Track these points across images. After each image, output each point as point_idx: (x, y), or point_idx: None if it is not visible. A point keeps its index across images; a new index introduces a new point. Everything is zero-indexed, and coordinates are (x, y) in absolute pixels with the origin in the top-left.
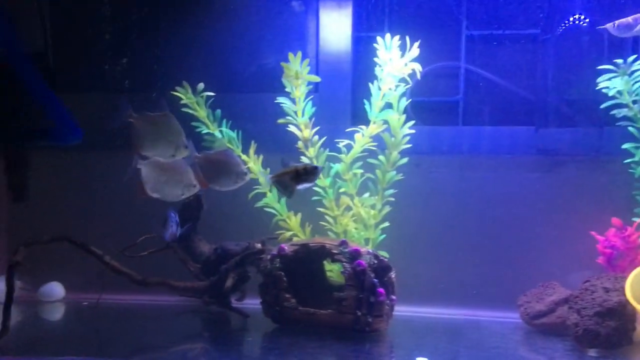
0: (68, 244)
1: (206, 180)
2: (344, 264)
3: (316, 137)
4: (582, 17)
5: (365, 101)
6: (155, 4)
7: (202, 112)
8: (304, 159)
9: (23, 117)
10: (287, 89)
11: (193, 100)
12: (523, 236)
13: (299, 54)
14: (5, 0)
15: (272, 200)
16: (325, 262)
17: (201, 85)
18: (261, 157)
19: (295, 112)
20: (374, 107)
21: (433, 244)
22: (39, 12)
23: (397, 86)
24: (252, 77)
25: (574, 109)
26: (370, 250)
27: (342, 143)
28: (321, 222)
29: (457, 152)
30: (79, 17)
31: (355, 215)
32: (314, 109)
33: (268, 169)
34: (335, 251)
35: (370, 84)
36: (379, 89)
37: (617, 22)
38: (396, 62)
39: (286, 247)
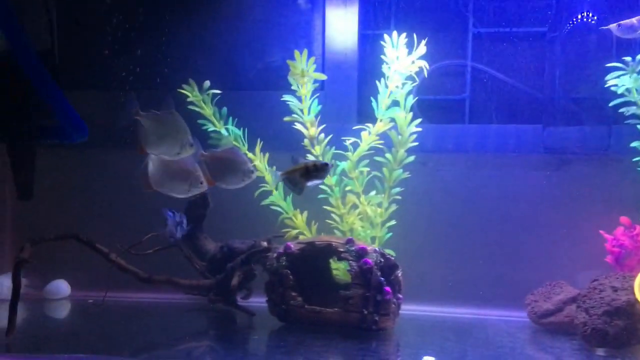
0: (74, 241)
1: (212, 178)
2: (351, 262)
3: (322, 135)
4: (590, 14)
5: (372, 99)
6: (161, 1)
7: (208, 110)
8: (309, 157)
9: (29, 115)
10: (293, 87)
11: (199, 98)
12: (530, 235)
13: (305, 51)
14: None
15: (278, 199)
16: (331, 261)
17: (207, 83)
18: (267, 155)
19: (301, 110)
20: (380, 105)
21: (439, 243)
22: (46, 9)
23: (404, 84)
24: (259, 75)
25: (581, 107)
26: (377, 249)
27: (349, 141)
28: (327, 221)
29: (464, 150)
30: (85, 14)
31: (362, 214)
32: (320, 106)
33: (274, 167)
34: (341, 249)
35: (377, 82)
36: (386, 86)
37: (620, 22)
38: (403, 59)
39: (292, 245)
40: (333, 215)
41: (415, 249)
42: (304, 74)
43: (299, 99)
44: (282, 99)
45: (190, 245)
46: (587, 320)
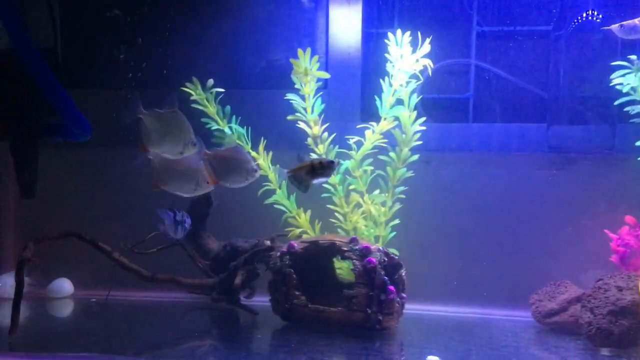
0: (77, 240)
1: (216, 177)
2: (354, 261)
3: (325, 133)
4: (595, 12)
5: (376, 97)
6: (164, 0)
7: (211, 108)
8: (312, 155)
9: (32, 113)
10: (296, 86)
11: (203, 96)
12: (535, 234)
13: (308, 50)
14: None
15: (281, 197)
16: (335, 260)
17: (211, 82)
18: (271, 153)
19: (305, 109)
20: (384, 104)
21: (443, 242)
22: (49, 7)
23: (408, 82)
24: (262, 73)
25: (586, 106)
26: (381, 248)
27: (352, 140)
28: (331, 219)
29: (468, 149)
30: (88, 12)
31: (365, 213)
32: (323, 105)
33: (277, 165)
34: (345, 248)
35: (381, 80)
36: (390, 85)
37: (623, 23)
38: (407, 58)
39: (296, 244)
40: (336, 214)
41: (419, 248)
42: (307, 72)
43: (302, 97)
44: (285, 98)
45: (194, 244)
46: (592, 319)
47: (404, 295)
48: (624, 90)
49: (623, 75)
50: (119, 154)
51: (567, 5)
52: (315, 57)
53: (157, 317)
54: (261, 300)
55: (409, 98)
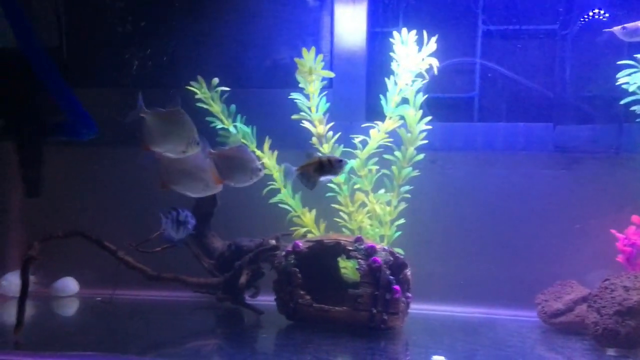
0: (82, 239)
1: (221, 176)
2: (360, 260)
3: (330, 132)
4: (601, 12)
5: (382, 96)
6: None
7: (216, 107)
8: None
9: (37, 112)
10: (301, 85)
11: (208, 95)
12: (540, 234)
13: (313, 49)
14: None
15: (286, 196)
16: (340, 259)
17: (216, 80)
18: (276, 152)
19: (309, 108)
20: (390, 103)
21: (448, 241)
22: (54, 6)
23: (413, 81)
24: (267, 72)
25: (592, 106)
26: (386, 247)
27: (358, 139)
28: (336, 219)
29: (473, 148)
30: (94, 11)
31: (370, 212)
32: (328, 104)
33: (283, 165)
34: (350, 248)
35: (386, 79)
36: (396, 84)
37: (625, 25)
38: (413, 56)
39: (301, 244)
40: (341, 213)
41: (424, 248)
42: (312, 71)
43: (307, 96)
44: (290, 97)
45: (198, 243)
46: (598, 320)
47: (409, 294)
48: (630, 90)
49: (629, 75)
50: (125, 153)
51: (573, 5)
52: (320, 56)
53: (162, 316)
54: (266, 300)
55: (415, 97)
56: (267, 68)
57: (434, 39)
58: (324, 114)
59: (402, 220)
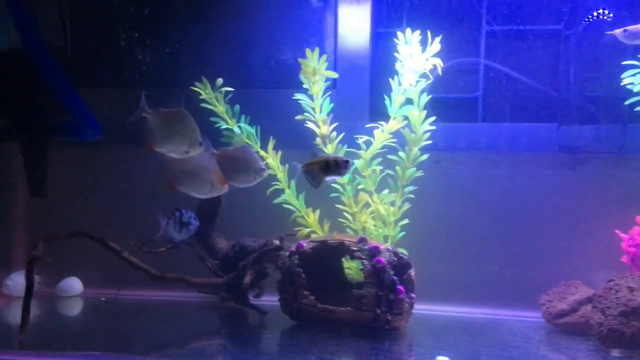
0: (86, 239)
1: (224, 176)
2: (364, 261)
3: (334, 133)
4: (606, 12)
5: (386, 97)
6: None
7: (220, 108)
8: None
9: (42, 112)
10: (304, 85)
11: (212, 95)
12: (544, 234)
13: (317, 50)
14: None
15: (290, 197)
16: (344, 259)
17: (220, 81)
18: (280, 152)
19: (313, 109)
20: (394, 103)
21: (452, 242)
22: (59, 6)
23: (417, 81)
24: (271, 72)
25: (597, 106)
26: (390, 248)
27: (362, 139)
28: (340, 219)
29: (477, 149)
30: (98, 11)
31: (374, 212)
32: (331, 105)
33: (287, 165)
34: (354, 248)
35: (390, 80)
36: (400, 84)
37: (627, 28)
38: (417, 57)
39: (305, 244)
40: (345, 213)
41: (428, 248)
42: (316, 72)
43: (311, 97)
44: (293, 98)
45: (202, 243)
46: (603, 320)
47: (413, 295)
48: (635, 90)
49: (634, 75)
50: (129, 153)
51: (577, 5)
52: (324, 57)
53: (166, 317)
54: (270, 300)
55: (419, 97)
56: (271, 68)
57: (438, 39)
58: (328, 114)
59: (406, 221)
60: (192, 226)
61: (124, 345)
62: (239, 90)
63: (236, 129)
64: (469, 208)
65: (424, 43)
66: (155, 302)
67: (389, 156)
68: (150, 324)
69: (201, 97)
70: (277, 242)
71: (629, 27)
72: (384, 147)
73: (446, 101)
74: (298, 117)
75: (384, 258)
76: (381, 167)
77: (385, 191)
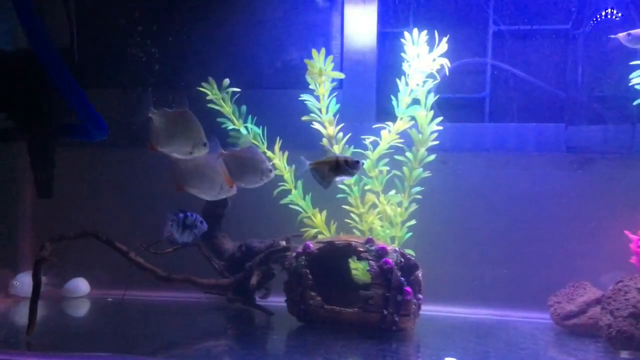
0: (93, 240)
1: (231, 177)
2: (371, 262)
3: (340, 134)
4: (614, 11)
5: (393, 97)
6: (180, 0)
7: (227, 108)
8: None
9: (49, 113)
10: (311, 86)
11: (219, 96)
12: (553, 235)
13: (323, 50)
14: None
15: (297, 197)
16: (350, 260)
17: (226, 81)
18: (286, 153)
19: (320, 109)
20: (401, 103)
21: (460, 243)
22: (65, 7)
23: (424, 82)
24: (278, 73)
25: (605, 106)
26: (397, 249)
27: (368, 140)
28: (346, 220)
29: (484, 149)
30: (105, 12)
31: (381, 213)
32: (338, 105)
33: (293, 166)
34: (361, 249)
35: (397, 80)
36: (407, 84)
37: (630, 32)
38: (424, 57)
39: (311, 245)
40: (352, 214)
41: (435, 249)
42: (322, 72)
43: (317, 98)
44: (300, 98)
45: (209, 244)
46: (611, 322)
47: (420, 296)
48: None
49: None
50: (136, 154)
51: (585, 4)
52: (330, 57)
53: (173, 317)
54: (277, 301)
55: (426, 97)
56: (277, 69)
57: (445, 39)
58: (334, 115)
59: (413, 222)
60: (197, 229)
61: (130, 346)
62: (246, 91)
63: (243, 130)
64: (476, 209)
65: (431, 43)
66: (162, 303)
67: (396, 157)
68: (157, 325)
69: (208, 97)
70: (283, 243)
71: (633, 31)
72: (390, 147)
73: (453, 101)
74: (304, 118)
75: (391, 259)
76: (388, 168)
77: (392, 192)
